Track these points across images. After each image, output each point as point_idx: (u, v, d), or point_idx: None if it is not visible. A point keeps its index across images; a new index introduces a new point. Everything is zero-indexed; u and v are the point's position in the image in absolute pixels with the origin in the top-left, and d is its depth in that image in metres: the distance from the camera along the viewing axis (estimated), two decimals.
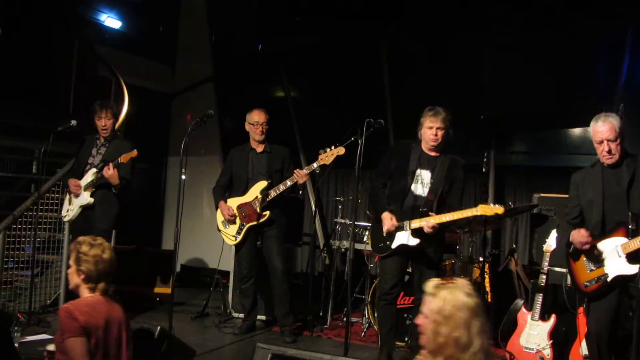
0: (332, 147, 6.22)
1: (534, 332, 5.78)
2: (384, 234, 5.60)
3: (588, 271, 4.90)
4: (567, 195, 6.78)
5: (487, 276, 7.08)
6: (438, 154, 5.68)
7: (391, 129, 8.83)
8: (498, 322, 6.57)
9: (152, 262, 8.27)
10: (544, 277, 5.85)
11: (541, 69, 8.08)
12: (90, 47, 9.01)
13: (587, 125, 8.14)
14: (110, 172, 6.53)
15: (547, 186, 7.85)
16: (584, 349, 5.44)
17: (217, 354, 6.13)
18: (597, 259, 4.84)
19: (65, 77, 8.65)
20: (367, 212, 7.96)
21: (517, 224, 7.27)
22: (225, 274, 8.08)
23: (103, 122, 6.82)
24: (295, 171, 6.49)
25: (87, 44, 8.94)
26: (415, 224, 5.45)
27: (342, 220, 7.86)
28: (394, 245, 5.56)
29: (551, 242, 5.93)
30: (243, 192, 6.78)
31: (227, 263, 7.80)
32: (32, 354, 5.61)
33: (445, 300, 2.91)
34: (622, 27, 7.80)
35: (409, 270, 6.18)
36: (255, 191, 6.70)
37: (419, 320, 2.99)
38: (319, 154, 6.28)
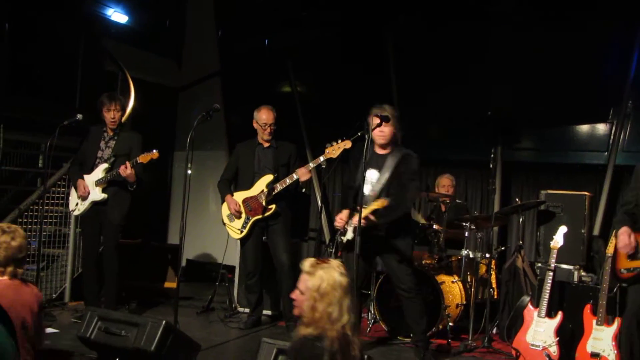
0: (339, 141, 6.22)
1: (540, 329, 5.75)
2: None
3: (628, 259, 5.09)
4: (574, 192, 6.80)
5: (493, 273, 7.07)
6: (388, 152, 5.79)
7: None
8: (504, 319, 6.56)
9: (157, 257, 8.27)
10: (551, 274, 5.82)
11: (549, 65, 8.04)
12: (96, 41, 9.00)
13: (595, 122, 8.22)
14: (128, 171, 6.52)
15: (555, 183, 7.84)
16: (590, 346, 5.43)
17: (222, 349, 6.12)
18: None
19: (72, 71, 8.65)
20: None
21: (523, 221, 7.24)
22: (231, 268, 8.07)
23: (112, 115, 6.79)
24: (297, 170, 6.50)
25: (93, 38, 8.93)
26: (354, 221, 5.57)
27: None
28: (344, 240, 5.77)
29: (558, 239, 5.90)
30: (249, 186, 6.77)
31: (233, 258, 7.80)
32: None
33: (322, 279, 3.26)
34: (631, 25, 7.76)
35: None
36: (261, 185, 6.69)
37: (295, 295, 3.33)
38: (326, 147, 6.27)
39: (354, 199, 5.72)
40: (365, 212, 5.39)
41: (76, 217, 7.44)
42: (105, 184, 6.72)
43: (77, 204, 6.90)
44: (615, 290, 5.59)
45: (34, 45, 8.11)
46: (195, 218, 9.54)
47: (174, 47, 10.80)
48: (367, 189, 5.73)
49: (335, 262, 3.36)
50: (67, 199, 7.28)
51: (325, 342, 3.20)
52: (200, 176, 9.74)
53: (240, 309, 7.62)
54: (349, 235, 5.71)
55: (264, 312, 7.32)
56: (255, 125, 6.85)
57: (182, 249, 6.16)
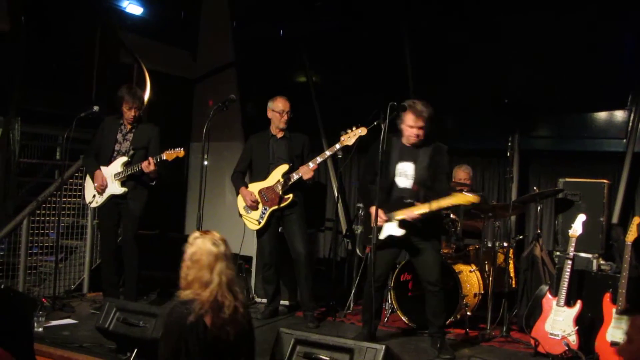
0: (354, 128, 6.21)
1: (559, 318, 5.72)
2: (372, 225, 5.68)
3: None
4: (592, 180, 6.74)
5: (511, 262, 7.04)
6: (420, 146, 5.78)
7: None
8: (523, 308, 6.53)
9: (175, 248, 8.28)
10: (570, 262, 5.79)
11: (566, 51, 7.97)
12: (112, 33, 9.02)
13: (614, 108, 8.14)
14: (151, 167, 6.54)
15: (573, 171, 7.76)
16: (610, 334, 5.39)
17: None
18: None
19: (88, 63, 8.68)
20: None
21: (541, 209, 7.19)
22: (248, 259, 8.08)
23: (133, 112, 6.78)
24: (300, 167, 6.49)
25: (109, 30, 8.95)
26: (400, 215, 5.58)
27: None
28: (382, 237, 5.66)
29: (577, 227, 5.86)
30: (265, 177, 6.77)
31: (250, 248, 7.80)
32: (57, 338, 5.68)
33: (197, 247, 3.71)
34: None
35: None
36: (277, 175, 6.68)
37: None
38: (340, 135, 6.26)
39: (388, 196, 5.69)
40: (415, 210, 5.44)
41: (93, 208, 7.47)
42: (125, 178, 6.74)
43: (94, 196, 6.91)
44: None
45: (50, 37, 8.14)
46: (212, 209, 9.54)
47: (189, 38, 10.79)
48: (402, 182, 5.76)
49: (212, 234, 3.79)
50: (84, 190, 7.31)
51: (195, 304, 3.56)
52: (217, 167, 9.72)
53: (258, 300, 7.63)
54: (393, 231, 5.66)
55: (282, 302, 7.33)
56: (270, 114, 6.84)
57: None
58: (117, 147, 6.85)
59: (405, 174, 5.75)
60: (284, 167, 6.68)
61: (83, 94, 8.40)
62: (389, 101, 5.50)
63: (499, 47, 8.35)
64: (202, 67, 10.92)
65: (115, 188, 6.75)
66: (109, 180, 6.75)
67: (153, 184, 6.77)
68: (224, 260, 3.71)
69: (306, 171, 6.48)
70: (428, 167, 5.70)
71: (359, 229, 7.75)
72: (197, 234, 3.84)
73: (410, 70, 9.14)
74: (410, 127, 5.64)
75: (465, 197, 5.38)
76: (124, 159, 6.73)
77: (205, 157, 6.03)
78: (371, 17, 9.23)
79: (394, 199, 5.72)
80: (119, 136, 6.88)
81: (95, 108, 6.75)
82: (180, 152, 6.51)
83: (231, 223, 8.61)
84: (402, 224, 5.62)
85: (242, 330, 3.76)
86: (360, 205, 7.84)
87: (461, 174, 7.74)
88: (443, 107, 8.85)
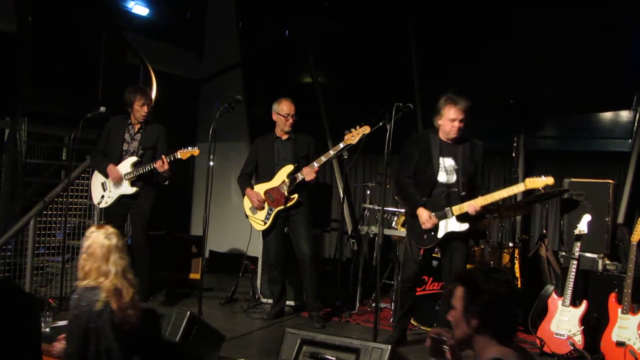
0: (357, 127, 6.22)
1: (564, 318, 5.73)
2: (424, 228, 5.66)
3: None
4: (598, 180, 6.74)
5: (517, 262, 7.03)
6: (458, 141, 5.76)
7: (419, 114, 8.77)
8: (528, 308, 6.53)
9: (181, 248, 8.31)
10: (575, 262, 5.79)
11: (572, 51, 7.96)
12: (118, 34, 9.05)
13: (619, 109, 8.14)
14: (165, 166, 6.57)
15: (578, 171, 7.76)
16: (615, 334, 5.40)
17: (246, 339, 6.16)
18: None
19: (94, 64, 8.70)
20: (396, 197, 7.95)
21: (547, 209, 7.19)
22: (254, 259, 8.10)
23: (146, 109, 6.85)
24: (303, 168, 6.50)
25: (115, 31, 8.98)
26: (458, 211, 5.55)
27: (371, 206, 7.85)
28: (440, 235, 5.64)
29: (582, 227, 5.86)
30: (270, 178, 6.79)
31: (256, 249, 7.82)
32: None
33: (92, 240, 4.12)
34: None
35: (437, 255, 6.21)
36: (282, 175, 6.70)
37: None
38: (344, 134, 6.27)
39: (428, 192, 5.68)
40: (481, 201, 5.43)
41: (100, 209, 7.49)
42: (135, 178, 6.76)
43: (102, 197, 6.93)
44: None
45: (57, 38, 8.17)
46: (218, 209, 9.57)
47: (195, 39, 10.82)
48: (445, 177, 5.72)
49: (105, 228, 4.22)
50: (90, 191, 7.33)
51: (100, 291, 4.00)
52: (223, 167, 9.77)
53: (264, 300, 7.65)
54: (455, 226, 5.62)
55: (287, 302, 7.34)
56: (275, 117, 6.85)
57: (206, 240, 6.20)
58: (125, 147, 6.88)
59: (448, 169, 5.71)
60: (289, 168, 6.70)
61: (89, 95, 8.42)
62: (394, 102, 5.51)
63: (504, 48, 8.34)
64: (208, 68, 10.95)
65: (125, 188, 6.77)
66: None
67: (166, 183, 6.79)
68: (116, 251, 4.14)
69: (308, 172, 6.48)
70: (470, 160, 5.70)
71: (364, 229, 7.76)
72: (92, 228, 4.25)
73: (416, 70, 9.14)
74: (452, 120, 5.60)
75: (539, 181, 5.30)
76: (134, 158, 6.76)
77: (211, 157, 6.05)
78: (377, 18, 9.23)
79: (436, 196, 5.67)
80: (127, 136, 6.91)
81: (102, 109, 6.77)
82: (195, 150, 6.56)
83: (237, 223, 8.64)
84: (462, 217, 5.57)
85: (141, 312, 4.21)
86: (367, 205, 7.85)
87: None
88: None
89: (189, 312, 4.73)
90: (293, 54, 10.24)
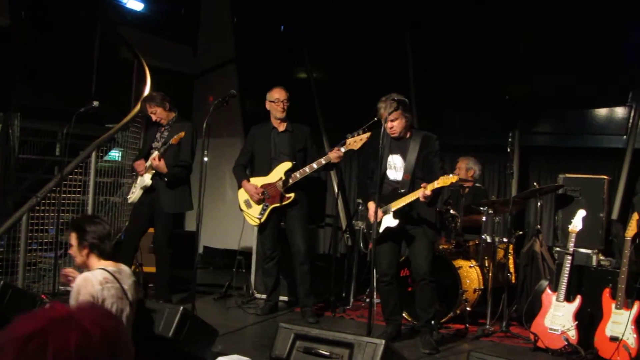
0: (360, 132, 6.18)
1: (559, 313, 5.72)
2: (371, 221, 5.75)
3: None
4: (592, 176, 6.74)
5: (511, 257, 7.03)
6: (408, 136, 5.85)
7: (415, 108, 8.76)
8: (522, 303, 6.53)
9: (175, 244, 8.29)
10: (569, 258, 5.79)
11: (567, 47, 7.97)
12: (112, 29, 9.02)
13: (614, 105, 8.15)
14: (156, 162, 6.57)
15: (573, 167, 7.76)
16: (609, 329, 5.40)
17: (239, 335, 6.14)
18: None
19: (88, 59, 8.68)
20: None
21: (542, 205, 7.19)
22: (247, 255, 8.08)
23: (152, 117, 6.95)
24: (329, 152, 6.41)
25: (109, 26, 8.96)
26: (395, 206, 5.67)
27: None
28: (380, 230, 5.72)
29: (577, 223, 5.86)
30: (267, 172, 6.75)
31: (249, 244, 7.80)
32: None
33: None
34: None
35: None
36: (279, 172, 6.65)
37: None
38: (346, 138, 6.23)
39: (380, 189, 5.69)
40: (429, 187, 5.42)
41: (93, 204, 7.49)
42: (153, 171, 6.78)
43: (132, 192, 6.99)
44: None
45: (51, 33, 8.14)
46: (212, 204, 9.55)
47: (190, 34, 10.80)
48: (392, 174, 5.84)
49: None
50: (85, 186, 7.33)
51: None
52: (217, 163, 9.73)
53: (257, 295, 7.63)
54: (389, 222, 5.72)
55: (281, 298, 7.33)
56: (268, 105, 6.81)
57: (199, 235, 6.18)
58: (154, 144, 6.96)
59: (394, 166, 5.84)
60: (287, 165, 6.63)
61: (83, 90, 8.39)
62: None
63: (500, 44, 8.35)
64: (203, 63, 10.93)
65: (144, 179, 6.81)
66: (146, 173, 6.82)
67: (168, 180, 6.76)
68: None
69: (337, 156, 6.31)
70: (417, 157, 5.74)
71: (359, 225, 7.75)
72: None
73: (412, 66, 9.14)
74: (387, 122, 5.63)
75: (448, 179, 5.35)
76: (156, 153, 6.75)
77: (205, 153, 6.03)
78: (373, 13, 9.22)
79: (386, 192, 5.78)
80: (158, 135, 7.03)
81: (95, 103, 6.74)
82: (180, 134, 6.56)
83: (231, 219, 8.64)
84: (397, 214, 5.69)
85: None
86: (361, 201, 7.84)
87: (459, 164, 7.68)
88: (444, 103, 8.90)
89: (181, 308, 4.71)
90: (288, 49, 10.22)
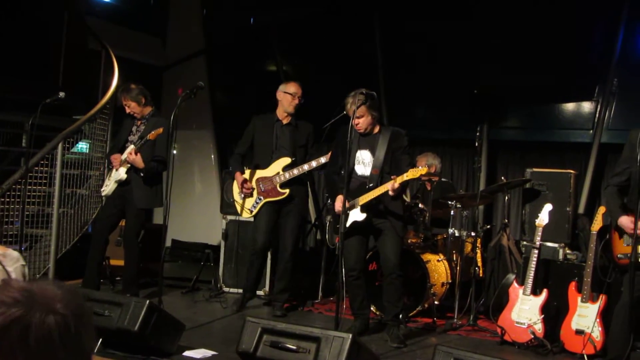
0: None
1: (525, 306, 5.77)
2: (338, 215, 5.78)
3: (625, 245, 4.87)
4: (559, 170, 6.80)
5: (478, 251, 7.08)
6: (377, 132, 5.85)
7: (384, 102, 8.77)
8: (490, 297, 6.58)
9: (143, 237, 8.24)
10: (536, 251, 5.83)
11: (536, 42, 8.03)
12: (80, 19, 8.89)
13: (581, 100, 8.22)
14: (132, 157, 6.50)
15: (540, 161, 7.84)
16: (575, 323, 5.45)
17: (207, 329, 6.10)
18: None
19: (55, 49, 8.55)
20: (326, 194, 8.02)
21: (509, 199, 7.24)
22: (216, 248, 8.04)
23: (127, 109, 6.84)
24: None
25: (77, 15, 8.82)
26: (362, 201, 5.67)
27: None
28: (347, 224, 5.70)
29: (543, 217, 5.90)
30: (266, 165, 6.67)
31: (216, 237, 7.76)
32: None
33: None
34: (618, 2, 7.74)
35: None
36: (277, 167, 6.59)
37: None
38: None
39: (348, 184, 5.68)
40: (398, 179, 5.41)
41: (59, 196, 7.41)
42: (128, 165, 6.70)
43: (106, 185, 6.91)
44: (612, 276, 5.49)
45: (16, 23, 8.00)
46: (181, 197, 9.49)
47: (159, 25, 10.70)
48: (360, 169, 5.83)
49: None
50: (51, 178, 7.22)
51: None
52: (185, 156, 9.69)
53: (226, 289, 7.59)
54: (356, 216, 5.72)
55: (257, 292, 7.27)
56: (280, 96, 6.72)
57: (167, 228, 6.13)
58: (130, 137, 6.87)
59: (363, 162, 5.83)
60: (286, 161, 6.57)
61: (50, 80, 8.27)
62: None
63: (469, 38, 8.38)
64: (172, 54, 10.85)
65: (119, 173, 6.71)
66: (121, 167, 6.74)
67: (143, 175, 6.68)
68: None
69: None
70: (386, 152, 5.75)
71: (328, 218, 7.74)
72: None
73: (381, 59, 9.14)
74: (353, 118, 5.60)
75: (417, 171, 5.37)
76: (132, 147, 6.67)
77: (174, 145, 5.98)
78: (342, 5, 9.21)
79: (353, 187, 5.78)
80: (134, 128, 6.92)
81: (61, 94, 6.63)
82: (159, 130, 6.47)
83: (201, 212, 8.60)
84: (364, 208, 5.69)
85: None
86: (328, 195, 7.83)
87: (420, 161, 7.66)
88: (412, 97, 8.94)
89: (147, 301, 4.68)
90: (258, 41, 10.17)
